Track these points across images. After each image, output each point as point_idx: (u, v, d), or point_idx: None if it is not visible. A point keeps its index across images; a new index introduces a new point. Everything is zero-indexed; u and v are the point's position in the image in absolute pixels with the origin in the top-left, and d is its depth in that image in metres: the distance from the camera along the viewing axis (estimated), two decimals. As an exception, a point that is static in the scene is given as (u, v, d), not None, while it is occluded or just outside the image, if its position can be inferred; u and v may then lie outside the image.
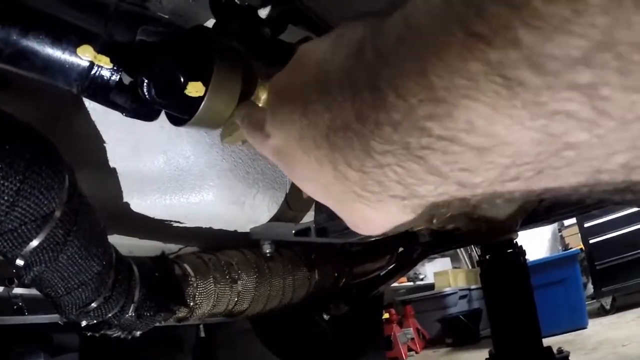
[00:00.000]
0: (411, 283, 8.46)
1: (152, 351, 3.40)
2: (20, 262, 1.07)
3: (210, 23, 1.33)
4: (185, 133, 1.50)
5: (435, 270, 8.66)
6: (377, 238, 1.49)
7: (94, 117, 1.40)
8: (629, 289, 6.97)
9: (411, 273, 8.03)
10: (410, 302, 8.03)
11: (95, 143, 1.47)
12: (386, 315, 6.83)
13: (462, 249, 8.97)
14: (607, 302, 7.28)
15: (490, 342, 2.65)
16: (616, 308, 7.19)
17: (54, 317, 2.90)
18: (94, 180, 1.51)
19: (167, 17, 1.26)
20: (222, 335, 3.95)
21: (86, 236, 1.14)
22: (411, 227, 1.51)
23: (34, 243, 1.05)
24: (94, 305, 1.25)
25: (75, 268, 1.14)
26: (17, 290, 2.67)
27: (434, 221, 1.65)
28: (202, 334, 3.89)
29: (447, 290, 8.12)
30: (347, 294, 2.56)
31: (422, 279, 8.76)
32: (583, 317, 6.68)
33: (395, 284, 7.30)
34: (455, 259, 9.34)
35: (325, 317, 2.57)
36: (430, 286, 8.59)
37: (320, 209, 1.49)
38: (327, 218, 1.46)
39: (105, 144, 1.48)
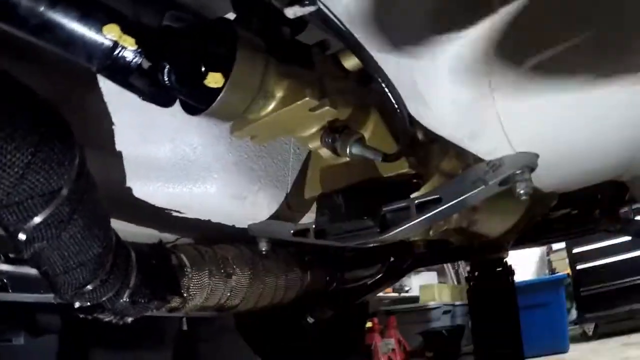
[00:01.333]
0: (396, 294, 8.46)
1: (133, 339, 3.39)
2: (22, 236, 1.06)
3: (230, 16, 1.33)
4: (195, 123, 1.49)
5: (421, 283, 8.66)
6: (373, 245, 1.48)
7: (107, 98, 1.39)
8: (613, 317, 7.03)
9: (397, 284, 8.03)
10: (393, 313, 8.02)
11: (104, 124, 1.46)
12: (369, 324, 6.82)
13: (449, 264, 8.99)
14: (589, 328, 7.33)
15: (471, 359, 2.66)
16: (598, 335, 7.23)
17: (38, 297, 2.90)
18: (98, 162, 1.50)
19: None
20: (204, 329, 3.94)
21: (90, 216, 1.14)
22: (408, 237, 1.51)
23: (39, 218, 1.04)
24: (89, 287, 1.25)
25: (76, 247, 1.14)
26: (2, 267, 2.65)
27: (431, 233, 1.67)
28: (185, 327, 3.88)
29: (432, 304, 8.13)
30: (334, 298, 2.56)
31: (407, 291, 8.76)
32: (564, 341, 6.71)
33: (380, 294, 7.30)
34: (441, 274, 9.35)
35: (310, 319, 2.56)
36: (415, 299, 8.60)
37: (322, 211, 1.49)
38: (328, 220, 1.46)
39: (114, 126, 1.47)
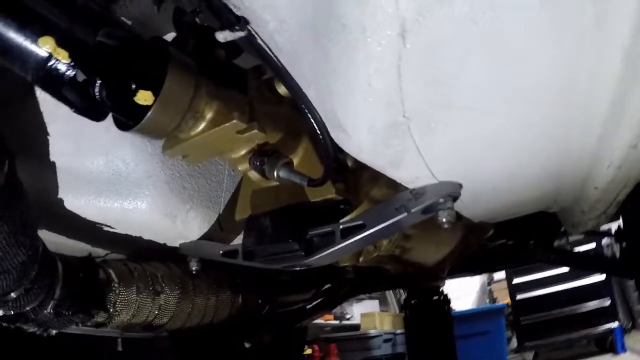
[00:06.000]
0: (337, 322, 8.47)
1: (65, 359, 3.32)
2: (-57, 240, 1.07)
3: (169, 36, 1.37)
4: (129, 139, 1.51)
5: (362, 311, 8.68)
6: (301, 269, 1.50)
7: (42, 107, 1.41)
8: (552, 345, 7.22)
9: (338, 311, 8.05)
10: (334, 341, 8.01)
11: (39, 134, 1.47)
12: (309, 351, 6.80)
13: (391, 292, 9.04)
14: (529, 356, 7.49)
15: (410, 385, 2.69)
16: (538, 363, 7.40)
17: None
18: (31, 171, 1.50)
19: (129, 22, 1.30)
20: (140, 352, 3.87)
21: (16, 224, 1.14)
22: (336, 261, 1.51)
23: (-39, 222, 1.05)
24: (13, 295, 1.25)
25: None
26: None
27: (361, 259, 1.69)
28: (120, 348, 3.81)
29: (373, 332, 8.13)
30: (271, 323, 2.57)
31: (348, 319, 8.78)
32: (504, 369, 6.83)
33: (321, 321, 7.30)
34: (383, 302, 9.40)
35: (247, 344, 2.56)
36: (356, 326, 8.60)
37: (250, 232, 1.50)
38: (255, 242, 1.48)
39: (49, 137, 1.48)
